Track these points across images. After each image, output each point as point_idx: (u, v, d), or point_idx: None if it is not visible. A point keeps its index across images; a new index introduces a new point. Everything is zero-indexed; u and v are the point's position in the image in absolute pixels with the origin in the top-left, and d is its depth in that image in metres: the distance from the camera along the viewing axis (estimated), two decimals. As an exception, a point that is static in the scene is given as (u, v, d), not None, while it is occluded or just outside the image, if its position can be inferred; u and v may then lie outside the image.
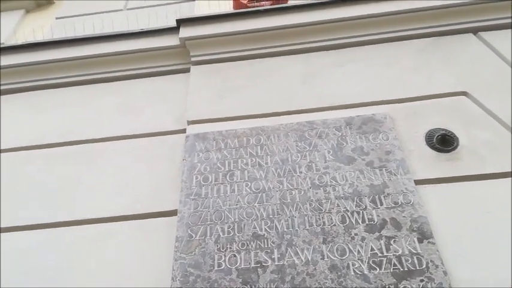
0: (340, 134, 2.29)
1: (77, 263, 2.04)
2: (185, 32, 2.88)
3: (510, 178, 2.02)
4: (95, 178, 2.39)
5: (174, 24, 2.95)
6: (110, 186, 2.33)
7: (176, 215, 2.09)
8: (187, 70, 2.87)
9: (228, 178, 2.19)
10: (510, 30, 2.68)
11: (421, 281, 1.69)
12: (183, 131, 2.51)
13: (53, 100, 2.90)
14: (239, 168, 2.23)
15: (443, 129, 2.20)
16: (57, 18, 3.87)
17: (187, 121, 2.53)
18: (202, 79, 2.76)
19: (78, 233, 2.16)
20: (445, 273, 1.70)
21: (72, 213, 2.24)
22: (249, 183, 2.15)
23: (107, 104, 2.80)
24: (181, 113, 2.61)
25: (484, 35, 2.68)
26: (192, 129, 2.47)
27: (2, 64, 2.99)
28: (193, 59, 2.86)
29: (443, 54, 2.62)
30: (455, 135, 2.18)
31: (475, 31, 2.71)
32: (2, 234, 2.20)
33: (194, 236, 1.97)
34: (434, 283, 1.68)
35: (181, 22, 2.92)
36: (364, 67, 2.64)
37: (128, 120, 2.67)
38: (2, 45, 3.18)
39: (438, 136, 2.16)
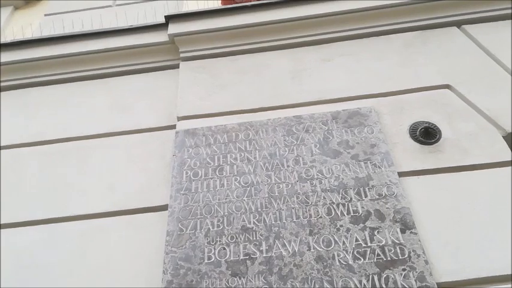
0: (327, 128, 2.34)
1: (69, 258, 2.08)
2: (174, 28, 2.90)
3: (492, 169, 2.08)
4: (86, 174, 2.42)
5: (162, 20, 2.96)
6: (102, 182, 2.36)
7: (167, 209, 2.13)
8: (176, 66, 2.90)
9: (217, 173, 2.23)
10: (493, 23, 2.73)
11: (403, 270, 1.75)
12: (173, 126, 2.54)
13: (43, 98, 2.91)
14: (228, 163, 2.27)
15: (426, 122, 2.25)
16: (45, 15, 3.85)
17: (177, 117, 2.56)
18: (192, 75, 2.78)
19: (70, 229, 2.19)
20: (426, 262, 1.76)
21: (64, 210, 2.27)
22: (238, 178, 2.19)
23: (96, 101, 2.82)
24: (170, 109, 2.64)
25: (468, 28, 2.73)
26: (182, 125, 2.51)
27: None
28: (182, 55, 2.89)
29: (428, 48, 2.67)
30: (438, 128, 2.23)
31: (458, 24, 2.76)
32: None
33: (184, 230, 2.02)
34: (416, 272, 1.73)
35: (170, 18, 2.94)
36: (350, 61, 2.68)
37: (117, 117, 2.69)
38: None
39: (421, 129, 2.20)
